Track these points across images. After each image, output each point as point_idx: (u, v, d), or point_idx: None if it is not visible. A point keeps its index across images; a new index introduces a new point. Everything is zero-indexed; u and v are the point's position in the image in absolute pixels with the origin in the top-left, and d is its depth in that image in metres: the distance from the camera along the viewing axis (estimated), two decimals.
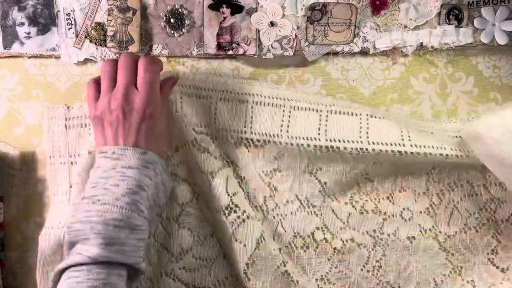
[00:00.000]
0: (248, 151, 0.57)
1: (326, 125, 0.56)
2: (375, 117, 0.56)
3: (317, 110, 0.56)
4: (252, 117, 0.56)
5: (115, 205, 0.44)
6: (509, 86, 0.60)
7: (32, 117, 0.58)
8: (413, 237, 0.58)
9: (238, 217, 0.56)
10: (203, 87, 0.56)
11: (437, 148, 0.54)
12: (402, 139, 0.55)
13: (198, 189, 0.57)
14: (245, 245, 0.56)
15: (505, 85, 0.60)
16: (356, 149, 0.55)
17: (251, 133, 0.56)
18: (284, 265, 0.57)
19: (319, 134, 0.56)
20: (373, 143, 0.55)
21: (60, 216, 0.56)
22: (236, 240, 0.56)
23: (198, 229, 0.58)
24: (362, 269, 0.58)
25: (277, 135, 0.56)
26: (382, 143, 0.55)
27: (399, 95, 0.60)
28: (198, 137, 0.55)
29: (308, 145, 0.55)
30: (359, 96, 0.60)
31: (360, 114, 0.56)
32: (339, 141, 0.55)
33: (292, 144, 0.56)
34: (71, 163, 0.57)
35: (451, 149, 0.55)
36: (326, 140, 0.55)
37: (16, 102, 0.59)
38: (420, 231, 0.58)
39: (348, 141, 0.55)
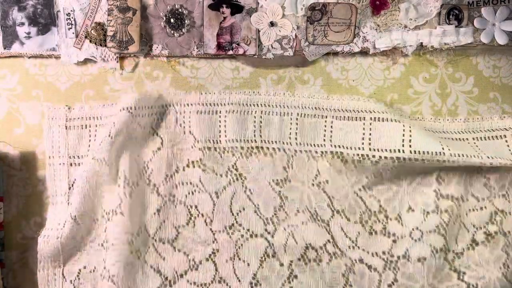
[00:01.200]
0: (258, 160, 0.57)
1: (331, 131, 0.57)
2: (379, 120, 0.56)
3: (322, 116, 0.58)
4: (261, 126, 0.57)
5: None
6: (509, 86, 0.60)
7: (32, 117, 0.58)
8: (424, 258, 0.56)
9: (242, 235, 0.57)
10: (211, 103, 0.57)
11: (437, 154, 0.54)
12: (403, 145, 0.55)
13: (197, 212, 0.57)
14: (248, 264, 0.56)
15: (505, 85, 0.60)
16: (358, 155, 0.56)
17: (261, 141, 0.57)
18: (289, 282, 0.57)
19: (324, 140, 0.57)
20: (374, 149, 0.56)
21: (58, 217, 0.56)
22: (239, 259, 0.56)
23: (194, 252, 0.57)
24: None
25: (287, 142, 0.57)
26: (382, 150, 0.55)
27: (399, 95, 0.60)
28: (203, 157, 0.57)
29: (316, 152, 0.57)
30: (359, 96, 0.59)
31: (364, 119, 0.57)
32: (343, 147, 0.56)
33: (301, 152, 0.57)
34: (71, 164, 0.57)
35: (450, 154, 0.54)
36: (331, 146, 0.57)
37: (16, 102, 0.59)
38: (432, 251, 0.57)
39: (350, 148, 0.56)
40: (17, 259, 0.58)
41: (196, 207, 0.57)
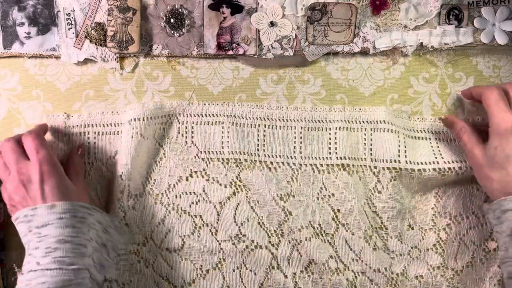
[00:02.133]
0: (262, 174, 0.57)
1: (335, 143, 0.57)
2: (378, 131, 0.57)
3: (326, 129, 0.58)
4: (264, 140, 0.57)
5: (37, 270, 0.45)
6: None
7: (32, 117, 0.58)
8: (421, 276, 0.57)
9: (247, 246, 0.57)
10: (214, 114, 0.58)
11: (431, 163, 0.56)
12: (399, 155, 0.56)
13: (202, 221, 0.57)
14: (255, 274, 0.57)
15: None
16: (361, 166, 0.57)
17: (265, 155, 0.57)
18: None
19: (330, 153, 0.57)
20: (376, 160, 0.56)
21: None
22: (247, 269, 0.57)
23: (201, 261, 0.57)
24: None
25: (291, 156, 0.57)
26: (382, 160, 0.56)
27: (399, 95, 0.60)
28: (207, 167, 0.57)
29: (321, 165, 0.57)
30: (359, 96, 0.60)
31: (365, 129, 0.57)
32: (347, 158, 0.57)
33: (306, 165, 0.57)
34: None
35: (445, 162, 0.56)
36: (337, 158, 0.57)
37: (16, 102, 0.59)
38: (429, 269, 0.57)
39: (355, 158, 0.57)
40: (17, 259, 0.58)
41: (200, 216, 0.57)
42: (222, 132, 0.57)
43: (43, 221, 0.47)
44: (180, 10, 0.57)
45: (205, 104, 0.58)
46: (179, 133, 0.57)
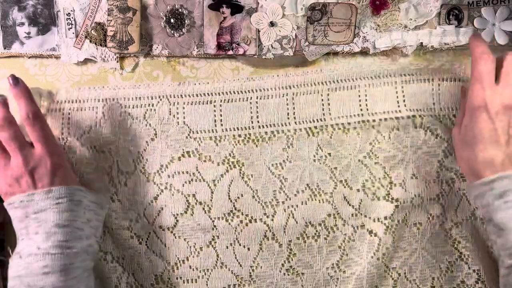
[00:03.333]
0: (256, 146, 0.58)
1: (329, 104, 0.58)
2: (373, 86, 0.57)
3: (318, 92, 0.58)
4: (257, 112, 0.58)
5: (38, 254, 0.46)
6: None
7: None
8: (420, 223, 0.58)
9: (241, 221, 0.57)
10: (205, 93, 0.58)
11: (431, 109, 0.56)
12: (398, 106, 0.57)
13: (195, 200, 0.58)
14: (249, 249, 0.57)
15: None
16: (359, 122, 0.57)
17: (259, 127, 0.57)
18: (289, 261, 0.57)
19: (324, 114, 0.58)
20: (373, 113, 0.57)
21: None
22: (240, 245, 0.57)
23: (194, 239, 0.58)
24: (372, 257, 0.57)
25: (285, 123, 0.57)
26: (381, 113, 0.57)
27: None
28: (199, 146, 0.57)
29: (315, 127, 0.57)
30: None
31: (359, 86, 0.58)
32: (343, 117, 0.57)
33: (300, 130, 0.57)
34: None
35: (445, 108, 0.56)
36: (331, 119, 0.57)
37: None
38: (428, 218, 0.58)
39: (350, 116, 0.57)
40: None
41: (194, 195, 0.57)
42: (214, 110, 0.57)
43: (41, 206, 0.47)
44: (180, 10, 0.57)
45: (195, 84, 0.58)
46: (170, 114, 0.57)
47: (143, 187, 0.58)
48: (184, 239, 0.58)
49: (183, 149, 0.58)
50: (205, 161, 0.57)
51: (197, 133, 0.57)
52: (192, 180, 0.57)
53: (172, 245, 0.58)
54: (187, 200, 0.58)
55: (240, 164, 0.58)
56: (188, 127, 0.58)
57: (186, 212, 0.58)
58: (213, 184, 0.57)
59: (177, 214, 0.57)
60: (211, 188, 0.57)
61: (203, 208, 0.57)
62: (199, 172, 0.57)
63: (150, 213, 0.58)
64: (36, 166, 0.49)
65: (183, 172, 0.57)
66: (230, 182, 0.57)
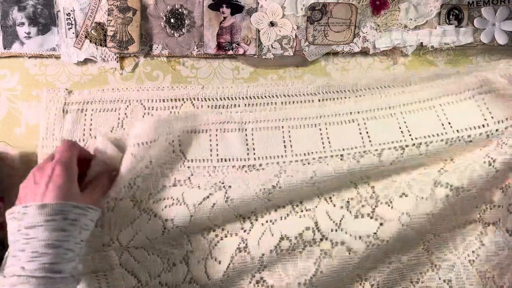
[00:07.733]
0: (247, 173, 0.56)
1: (328, 137, 0.56)
2: (372, 119, 0.56)
3: (315, 125, 0.57)
4: (253, 143, 0.57)
5: (21, 276, 0.42)
6: None
7: (32, 117, 0.58)
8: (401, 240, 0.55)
9: (217, 235, 0.56)
10: (201, 123, 0.57)
11: (437, 135, 0.54)
12: (403, 136, 0.55)
13: (172, 224, 0.54)
14: (220, 262, 0.55)
15: None
16: (359, 152, 0.55)
17: (254, 159, 0.56)
18: (260, 272, 0.56)
19: (324, 147, 0.56)
20: (376, 144, 0.55)
21: None
22: (211, 258, 0.55)
23: (168, 255, 0.56)
24: (348, 274, 0.55)
25: (281, 155, 0.56)
26: (384, 143, 0.55)
27: None
28: (191, 176, 0.56)
29: (313, 158, 0.56)
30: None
31: (357, 120, 0.56)
32: (343, 149, 0.56)
33: (296, 161, 0.56)
34: None
35: (453, 131, 0.53)
36: (331, 151, 0.56)
37: (16, 102, 0.59)
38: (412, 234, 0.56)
39: (351, 148, 0.55)
40: None
41: (172, 220, 0.54)
42: (210, 140, 0.57)
43: (32, 222, 0.43)
44: (180, 10, 0.57)
45: (191, 116, 0.57)
46: (165, 142, 0.55)
47: (127, 212, 0.55)
48: (158, 255, 0.55)
49: (175, 178, 0.56)
50: (193, 188, 0.55)
51: (192, 162, 0.56)
52: (172, 204, 0.55)
53: (146, 262, 0.55)
54: (164, 225, 0.54)
55: (226, 187, 0.55)
56: (184, 155, 0.56)
57: (161, 236, 0.54)
58: (193, 208, 0.54)
59: (152, 239, 0.55)
60: (190, 211, 0.54)
61: (180, 230, 0.55)
62: (183, 197, 0.55)
63: (125, 238, 0.54)
64: (41, 174, 0.46)
65: (167, 198, 0.55)
66: (213, 205, 0.54)
